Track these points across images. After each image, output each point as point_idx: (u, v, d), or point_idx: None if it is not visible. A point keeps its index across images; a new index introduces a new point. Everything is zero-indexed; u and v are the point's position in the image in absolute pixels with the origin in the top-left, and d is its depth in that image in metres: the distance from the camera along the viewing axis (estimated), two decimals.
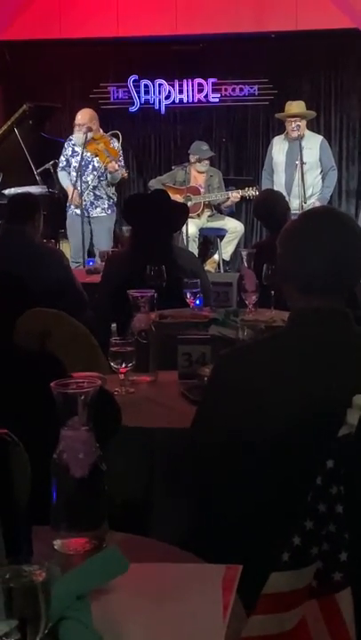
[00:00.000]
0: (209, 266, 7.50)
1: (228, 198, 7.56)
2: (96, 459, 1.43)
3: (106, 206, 7.01)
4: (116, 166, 7.00)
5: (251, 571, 1.31)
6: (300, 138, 6.85)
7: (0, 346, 2.02)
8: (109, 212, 7.04)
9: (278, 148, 6.97)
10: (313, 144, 6.91)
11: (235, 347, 2.20)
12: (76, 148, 6.96)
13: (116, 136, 7.25)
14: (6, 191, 7.39)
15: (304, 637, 1.02)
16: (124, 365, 2.52)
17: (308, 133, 7.04)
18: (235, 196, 7.54)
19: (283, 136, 7.01)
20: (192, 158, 7.64)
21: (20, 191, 6.24)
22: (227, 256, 7.68)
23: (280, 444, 1.71)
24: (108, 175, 7.00)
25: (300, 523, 1.01)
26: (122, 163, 7.16)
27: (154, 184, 7.74)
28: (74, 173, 6.91)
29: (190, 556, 1.40)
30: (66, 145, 7.11)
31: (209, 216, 7.67)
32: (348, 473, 1.02)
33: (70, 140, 7.08)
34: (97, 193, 6.95)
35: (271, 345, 1.84)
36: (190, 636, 1.14)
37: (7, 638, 1.02)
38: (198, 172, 7.64)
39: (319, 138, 7.13)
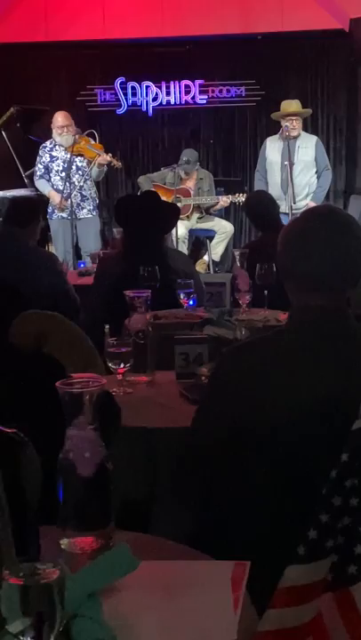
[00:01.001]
0: (199, 267, 7.51)
1: (218, 202, 7.59)
2: (102, 458, 1.43)
3: (91, 207, 7.00)
4: (108, 157, 7.00)
5: (257, 567, 1.32)
6: (296, 137, 6.87)
7: None
8: (94, 212, 7.04)
9: (273, 148, 6.96)
10: (308, 143, 6.91)
11: (236, 344, 2.21)
12: (54, 153, 6.91)
13: (92, 135, 7.23)
14: None
15: (320, 630, 1.02)
16: (122, 366, 2.52)
17: (302, 133, 7.03)
18: (224, 200, 7.56)
19: (277, 136, 7.01)
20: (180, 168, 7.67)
21: (21, 195, 6.24)
22: (217, 257, 7.69)
23: (282, 440, 1.72)
24: (93, 173, 6.99)
25: (316, 516, 1.02)
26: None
27: (143, 181, 7.75)
28: (57, 178, 6.86)
29: (198, 554, 1.41)
30: (41, 152, 6.99)
31: (198, 217, 7.68)
32: None
33: (45, 147, 6.98)
34: (83, 193, 6.94)
35: (272, 343, 1.85)
36: (203, 631, 1.15)
37: (22, 636, 1.02)
38: (182, 178, 7.67)
39: (314, 137, 7.13)
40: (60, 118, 6.96)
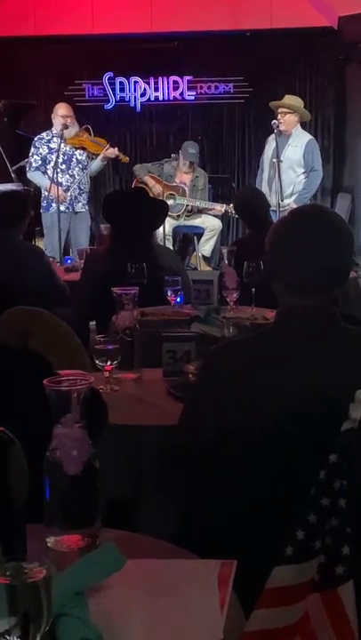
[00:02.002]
0: (193, 260, 7.52)
1: (213, 209, 7.59)
2: (89, 456, 1.43)
3: (85, 201, 6.99)
4: (116, 151, 6.98)
5: (244, 567, 1.32)
6: (287, 135, 6.84)
7: None
8: (87, 207, 7.02)
9: (269, 145, 6.97)
10: (299, 142, 6.88)
11: (222, 343, 2.21)
12: (52, 145, 6.83)
13: (88, 130, 7.21)
14: None
15: (307, 631, 1.03)
16: (109, 363, 2.52)
17: (298, 132, 6.98)
18: (218, 209, 7.56)
19: (274, 134, 7.01)
20: (179, 155, 7.64)
21: (6, 189, 6.19)
22: (207, 253, 7.71)
23: (268, 440, 1.72)
24: (94, 166, 6.98)
25: (304, 517, 1.02)
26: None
27: (138, 169, 7.73)
28: (57, 170, 6.74)
29: (185, 552, 1.41)
30: (37, 144, 6.89)
31: (186, 215, 7.69)
32: (350, 467, 1.04)
33: (42, 138, 6.90)
34: (81, 187, 6.92)
35: (259, 342, 1.85)
36: (189, 630, 1.15)
37: (9, 636, 1.02)
38: (183, 172, 7.66)
39: (308, 137, 7.05)
40: (62, 109, 6.90)
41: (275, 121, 6.79)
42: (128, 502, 2.16)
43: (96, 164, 7.05)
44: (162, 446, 2.17)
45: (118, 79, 8.98)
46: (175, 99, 9.04)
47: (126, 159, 7.44)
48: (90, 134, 7.15)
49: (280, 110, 6.86)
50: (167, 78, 8.98)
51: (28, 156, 7.12)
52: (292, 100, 7.03)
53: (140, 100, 9.03)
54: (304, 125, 7.31)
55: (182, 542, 1.48)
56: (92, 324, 3.34)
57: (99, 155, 7.05)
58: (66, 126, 6.76)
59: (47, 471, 1.42)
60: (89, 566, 1.22)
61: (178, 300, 3.74)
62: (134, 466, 2.22)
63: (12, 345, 2.62)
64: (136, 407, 2.43)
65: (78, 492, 1.42)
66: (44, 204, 6.89)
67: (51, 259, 5.85)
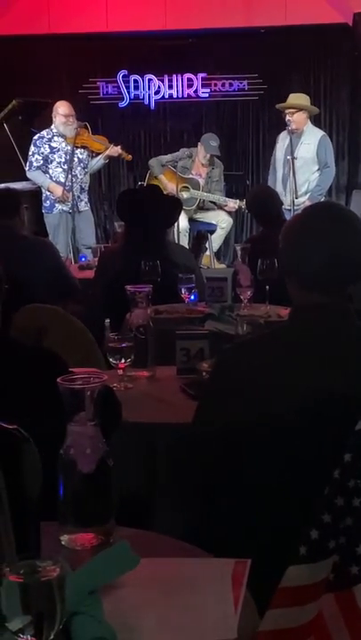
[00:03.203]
0: (204, 260, 7.51)
1: (226, 205, 7.57)
2: (103, 454, 1.43)
3: (87, 199, 6.98)
4: (119, 149, 6.96)
5: (258, 566, 1.31)
6: (299, 132, 6.81)
7: None
8: (89, 205, 7.02)
9: (280, 144, 6.95)
10: (311, 139, 6.84)
11: (237, 341, 2.20)
12: (54, 144, 6.79)
13: (86, 127, 7.17)
14: None
15: (321, 631, 1.02)
16: (122, 361, 2.52)
17: (309, 128, 6.93)
18: (232, 206, 7.54)
19: (286, 132, 6.99)
20: (199, 147, 7.61)
21: (21, 187, 6.20)
22: (216, 248, 7.69)
23: (282, 438, 1.72)
24: (96, 165, 6.96)
25: (318, 516, 1.02)
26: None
27: (153, 164, 7.71)
28: (59, 169, 6.74)
29: (198, 551, 1.41)
30: (38, 143, 6.80)
31: (199, 208, 7.67)
32: None
33: (42, 137, 6.83)
34: (82, 186, 6.90)
35: (274, 340, 1.84)
36: (203, 629, 1.15)
37: (22, 634, 1.02)
38: (202, 164, 7.63)
39: (320, 134, 7.00)
40: (63, 107, 6.85)
41: (289, 119, 6.77)
42: (142, 500, 2.16)
43: (98, 163, 7.03)
44: (176, 444, 2.17)
45: (132, 77, 8.97)
46: (189, 96, 9.02)
47: (129, 157, 7.42)
48: (89, 131, 7.09)
49: (288, 111, 6.85)
50: (181, 76, 8.96)
51: None
52: (295, 98, 7.01)
53: (154, 97, 9.02)
54: (319, 122, 7.30)
55: (196, 541, 1.47)
56: (107, 321, 3.35)
57: (100, 153, 7.02)
58: (67, 124, 6.73)
59: (61, 469, 1.42)
60: (103, 565, 1.22)
61: (192, 297, 3.73)
62: (148, 464, 2.22)
63: (27, 342, 2.62)
64: (149, 405, 2.43)
65: (92, 490, 1.42)
66: (46, 204, 6.81)
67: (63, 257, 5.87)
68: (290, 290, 1.84)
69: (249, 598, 1.24)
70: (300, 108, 6.86)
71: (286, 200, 6.27)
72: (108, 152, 7.02)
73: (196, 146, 7.74)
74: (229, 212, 7.72)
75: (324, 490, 1.04)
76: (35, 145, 6.85)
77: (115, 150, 7.01)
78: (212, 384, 1.94)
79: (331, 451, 1.18)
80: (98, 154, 7.14)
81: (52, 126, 6.89)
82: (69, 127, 6.79)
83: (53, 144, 6.81)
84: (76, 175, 6.76)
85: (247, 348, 1.91)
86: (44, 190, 6.85)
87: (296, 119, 6.79)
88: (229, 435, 1.78)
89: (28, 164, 6.90)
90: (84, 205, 6.89)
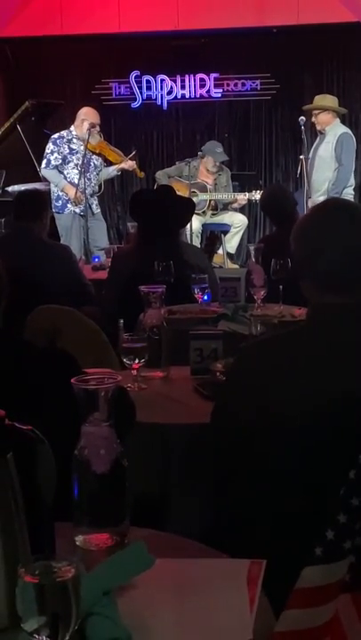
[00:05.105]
0: (216, 259, 7.51)
1: (236, 200, 7.57)
2: (117, 454, 1.43)
3: (97, 202, 7.02)
4: (134, 165, 7.01)
5: (273, 567, 1.31)
6: (323, 132, 6.82)
7: (13, 343, 2.01)
8: (100, 207, 7.06)
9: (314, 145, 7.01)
10: (331, 138, 6.85)
11: (255, 341, 2.20)
12: (73, 146, 6.80)
13: (108, 140, 7.28)
14: (10, 188, 7.38)
15: (337, 632, 1.02)
16: (136, 361, 2.52)
17: (332, 127, 6.91)
18: (241, 198, 7.55)
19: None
20: (206, 158, 7.62)
21: (26, 188, 6.21)
22: (232, 249, 7.69)
23: (297, 439, 1.71)
24: (110, 173, 7.00)
25: (334, 516, 1.01)
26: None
27: (160, 176, 7.72)
28: (75, 171, 6.74)
29: (213, 552, 1.40)
30: (58, 142, 6.80)
31: (212, 214, 7.69)
32: None
33: (62, 137, 6.83)
34: (94, 189, 6.94)
35: (291, 341, 1.83)
36: (218, 630, 1.14)
37: (38, 635, 1.02)
38: (209, 171, 7.63)
39: (341, 131, 6.95)
40: (93, 116, 6.86)
41: (302, 117, 6.78)
42: (156, 501, 2.16)
43: (110, 172, 7.07)
44: (190, 444, 2.16)
45: (145, 77, 8.99)
46: (202, 96, 9.03)
47: (142, 175, 7.47)
48: (109, 143, 7.21)
49: (313, 112, 6.87)
50: (194, 76, 8.96)
51: None
52: (321, 100, 7.01)
53: (166, 98, 9.03)
54: (343, 120, 7.26)
55: (211, 541, 1.47)
56: (121, 322, 3.35)
57: (115, 164, 7.08)
58: (92, 132, 6.76)
59: (75, 470, 1.42)
60: (118, 565, 1.22)
61: (205, 297, 3.73)
62: (162, 464, 2.21)
63: (41, 343, 2.63)
64: (163, 405, 2.43)
65: (106, 491, 1.42)
66: (58, 204, 6.79)
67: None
68: (304, 291, 1.83)
69: (264, 599, 1.23)
70: (318, 108, 6.89)
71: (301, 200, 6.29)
72: (122, 165, 7.06)
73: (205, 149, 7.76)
74: (242, 210, 7.73)
75: (340, 490, 1.03)
76: (55, 144, 6.84)
77: (130, 164, 7.06)
78: (230, 384, 1.94)
79: (346, 451, 1.18)
80: (112, 163, 7.18)
81: (71, 128, 6.91)
82: (94, 135, 6.84)
83: (73, 146, 6.82)
84: (90, 179, 6.78)
85: (265, 348, 1.90)
86: (55, 190, 6.84)
87: (320, 120, 6.85)
88: (246, 435, 1.77)
89: (45, 161, 6.89)
90: (95, 208, 6.92)
